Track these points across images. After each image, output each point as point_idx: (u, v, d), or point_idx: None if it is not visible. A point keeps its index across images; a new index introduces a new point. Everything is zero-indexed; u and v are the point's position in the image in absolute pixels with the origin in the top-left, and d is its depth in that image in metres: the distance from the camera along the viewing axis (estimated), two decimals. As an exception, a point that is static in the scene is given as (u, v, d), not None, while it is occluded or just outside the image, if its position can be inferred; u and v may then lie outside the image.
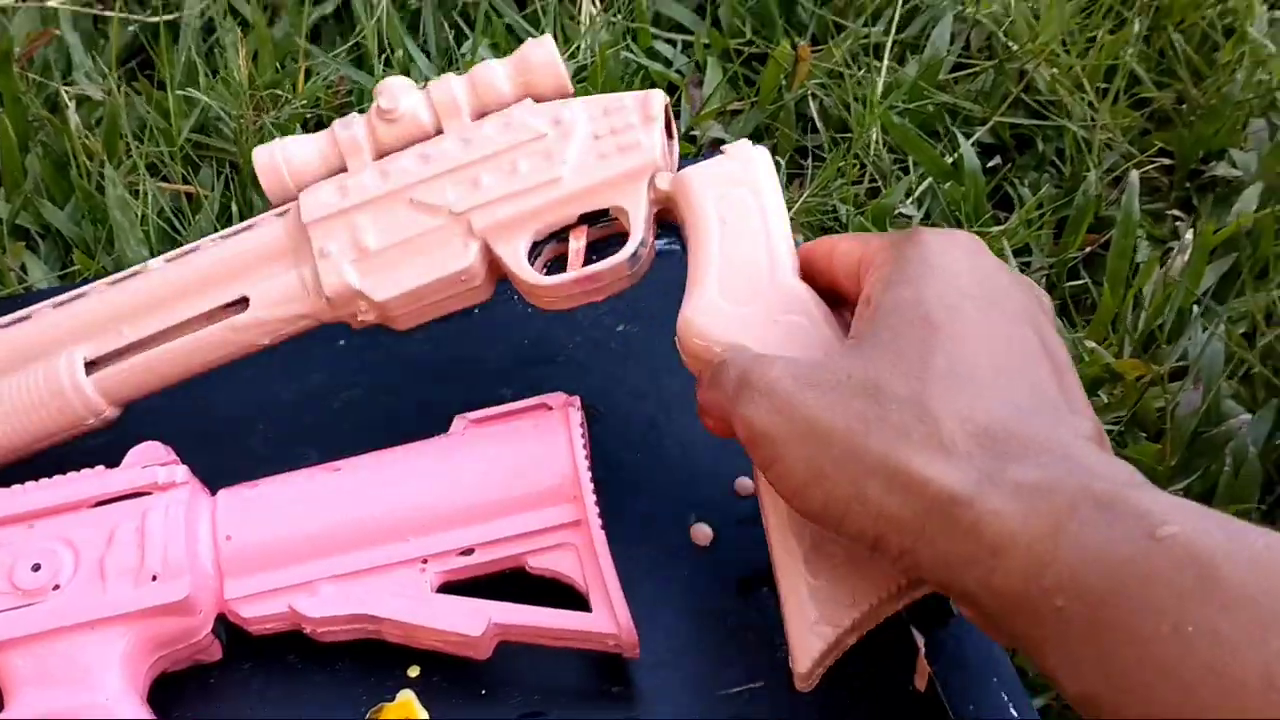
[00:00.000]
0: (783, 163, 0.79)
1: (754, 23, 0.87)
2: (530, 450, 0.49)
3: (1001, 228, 0.73)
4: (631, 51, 0.84)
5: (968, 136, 0.78)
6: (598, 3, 0.87)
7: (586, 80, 0.82)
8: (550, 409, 0.50)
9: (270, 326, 0.49)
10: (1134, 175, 0.73)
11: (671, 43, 0.88)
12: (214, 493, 0.49)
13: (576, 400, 0.51)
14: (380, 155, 0.50)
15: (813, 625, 0.42)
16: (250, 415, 0.57)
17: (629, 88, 0.83)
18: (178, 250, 0.50)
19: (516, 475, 0.48)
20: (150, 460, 0.49)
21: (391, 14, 0.84)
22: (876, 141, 0.79)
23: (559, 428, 0.49)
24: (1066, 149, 0.79)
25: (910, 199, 0.75)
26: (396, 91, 0.49)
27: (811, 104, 0.82)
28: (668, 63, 0.87)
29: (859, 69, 0.83)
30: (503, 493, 0.48)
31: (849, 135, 0.79)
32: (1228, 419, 0.62)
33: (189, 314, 0.49)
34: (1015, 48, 0.81)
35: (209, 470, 0.50)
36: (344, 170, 0.50)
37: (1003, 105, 0.80)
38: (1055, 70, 0.80)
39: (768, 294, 0.45)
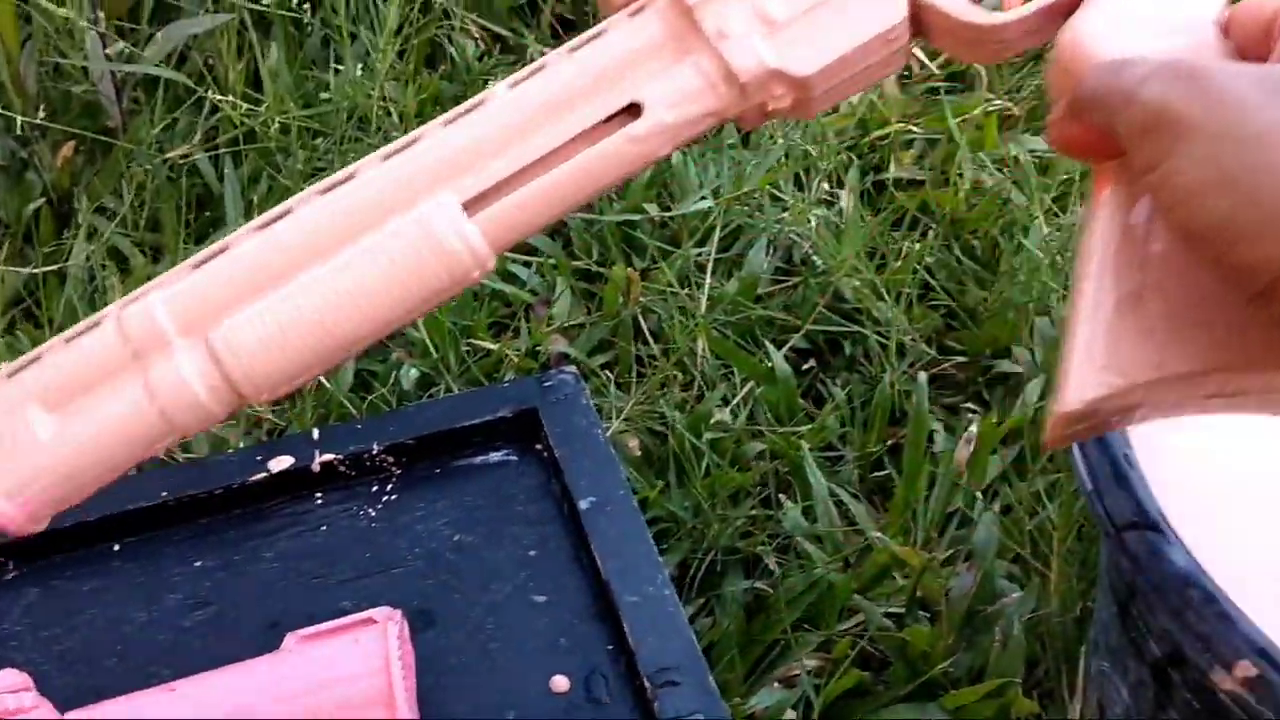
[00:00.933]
0: (612, 375, 0.87)
1: (599, 246, 0.97)
2: (349, 663, 0.54)
3: (809, 426, 0.82)
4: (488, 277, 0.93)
5: (783, 344, 0.88)
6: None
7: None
8: (375, 622, 0.57)
9: (673, 131, 0.42)
10: (922, 376, 0.82)
11: (527, 264, 0.97)
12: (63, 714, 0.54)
13: (398, 614, 0.57)
14: None
15: (1100, 369, 0.36)
16: (109, 636, 0.63)
17: (486, 311, 0.92)
18: (519, 74, 0.43)
19: (335, 687, 0.54)
20: (5, 687, 0.54)
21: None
22: (704, 351, 0.88)
23: (378, 641, 0.55)
24: (871, 351, 0.89)
25: (729, 405, 0.84)
26: None
27: (643, 320, 0.91)
28: (521, 283, 0.96)
29: (686, 287, 0.92)
30: (323, 704, 0.53)
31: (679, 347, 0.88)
32: (1002, 597, 0.70)
33: (567, 134, 0.42)
34: (820, 264, 0.91)
35: (70, 691, 0.55)
36: None
37: (813, 313, 0.89)
38: (858, 282, 0.90)
39: (1182, 34, 0.39)
